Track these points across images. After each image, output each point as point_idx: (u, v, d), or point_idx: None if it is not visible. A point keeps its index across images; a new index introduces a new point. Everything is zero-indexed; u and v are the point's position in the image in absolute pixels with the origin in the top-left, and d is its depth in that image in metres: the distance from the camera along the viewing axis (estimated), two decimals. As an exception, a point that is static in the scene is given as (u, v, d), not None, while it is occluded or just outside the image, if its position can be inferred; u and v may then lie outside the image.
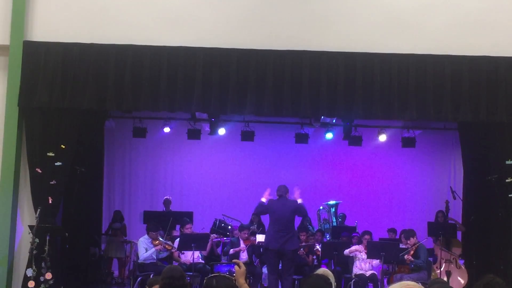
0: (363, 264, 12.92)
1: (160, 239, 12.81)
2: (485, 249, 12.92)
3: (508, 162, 11.47)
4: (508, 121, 11.27)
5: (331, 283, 5.79)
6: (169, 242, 12.91)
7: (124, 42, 11.29)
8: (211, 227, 14.38)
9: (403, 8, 11.55)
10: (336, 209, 15.95)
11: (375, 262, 12.63)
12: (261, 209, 12.20)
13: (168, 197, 15.72)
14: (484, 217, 13.07)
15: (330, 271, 6.88)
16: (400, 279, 10.55)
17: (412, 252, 12.40)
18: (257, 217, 14.58)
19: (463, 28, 11.48)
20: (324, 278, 5.72)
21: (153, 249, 12.50)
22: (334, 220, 15.83)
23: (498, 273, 7.35)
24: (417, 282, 3.49)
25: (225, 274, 5.21)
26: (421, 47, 11.36)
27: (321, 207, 16.05)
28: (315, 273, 6.23)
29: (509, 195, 11.48)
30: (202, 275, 12.04)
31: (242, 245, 13.07)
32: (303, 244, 13.32)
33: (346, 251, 12.98)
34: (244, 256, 12.92)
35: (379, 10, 11.56)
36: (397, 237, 14.24)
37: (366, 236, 13.15)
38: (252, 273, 12.64)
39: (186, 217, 13.66)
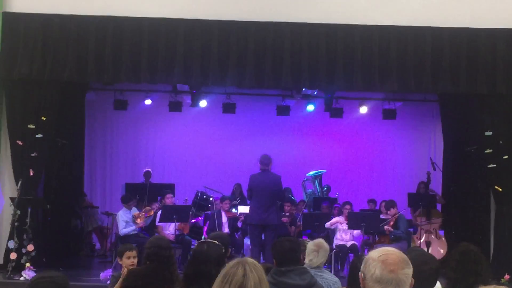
0: (344, 235, 13.01)
1: (137, 210, 12.74)
2: (464, 220, 13.08)
3: (487, 134, 11.59)
4: (487, 92, 11.36)
5: (299, 243, 5.84)
6: (147, 208, 12.78)
7: (104, 13, 11.21)
8: (193, 199, 14.41)
9: (384, -20, 11.55)
10: (320, 180, 15.97)
11: (356, 232, 12.72)
12: (250, 192, 11.95)
13: (148, 169, 15.65)
14: (464, 188, 13.22)
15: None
16: (380, 249, 10.63)
17: (392, 222, 12.52)
18: (240, 189, 14.68)
19: (444, 0, 11.51)
20: (293, 239, 5.79)
21: (134, 227, 12.42)
22: (319, 191, 15.83)
23: (476, 243, 7.43)
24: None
25: (215, 242, 5.05)
26: (401, 19, 11.38)
27: (305, 178, 16.03)
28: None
29: (488, 166, 11.62)
30: (184, 247, 12.11)
31: (224, 216, 13.11)
32: (287, 214, 13.40)
33: (327, 224, 13.01)
34: (225, 228, 12.96)
35: (361, -19, 11.55)
36: (377, 208, 14.35)
37: (347, 207, 13.21)
38: (233, 244, 12.71)
39: (167, 189, 13.66)
